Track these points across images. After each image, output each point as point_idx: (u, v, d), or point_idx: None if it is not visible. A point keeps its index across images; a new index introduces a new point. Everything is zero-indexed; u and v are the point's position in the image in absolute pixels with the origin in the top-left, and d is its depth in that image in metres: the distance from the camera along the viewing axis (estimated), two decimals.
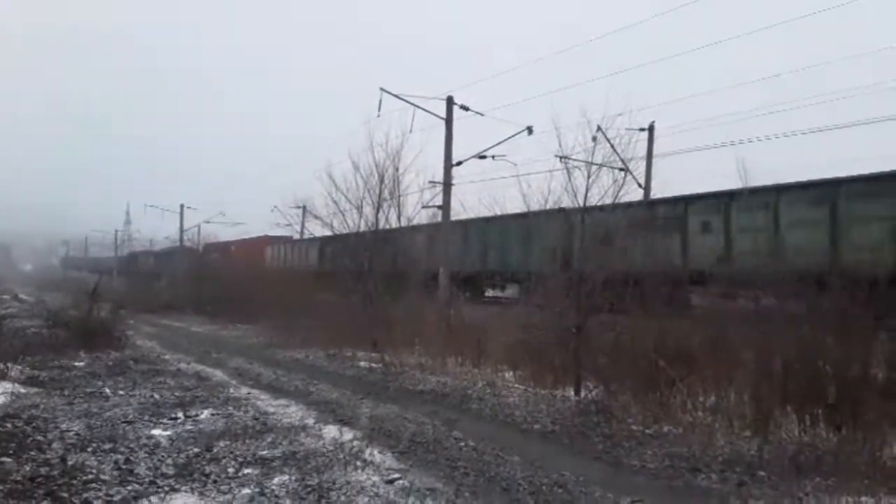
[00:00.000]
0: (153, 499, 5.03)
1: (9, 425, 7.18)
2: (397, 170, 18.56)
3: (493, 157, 20.01)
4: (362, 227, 19.03)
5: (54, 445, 6.46)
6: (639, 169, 19.07)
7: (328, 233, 22.26)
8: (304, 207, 29.26)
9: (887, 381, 6.93)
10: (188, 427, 7.50)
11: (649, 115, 23.79)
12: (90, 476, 5.49)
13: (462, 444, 6.85)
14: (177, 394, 9.61)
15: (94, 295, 18.24)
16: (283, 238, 36.66)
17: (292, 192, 32.86)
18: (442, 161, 19.68)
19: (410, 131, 18.42)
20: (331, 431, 7.25)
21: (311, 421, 7.83)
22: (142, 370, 11.98)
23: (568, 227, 18.42)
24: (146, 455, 6.22)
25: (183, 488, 5.28)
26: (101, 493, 5.09)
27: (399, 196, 19.04)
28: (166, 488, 5.27)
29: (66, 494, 5.02)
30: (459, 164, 19.91)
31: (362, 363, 13.20)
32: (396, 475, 5.66)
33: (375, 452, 6.36)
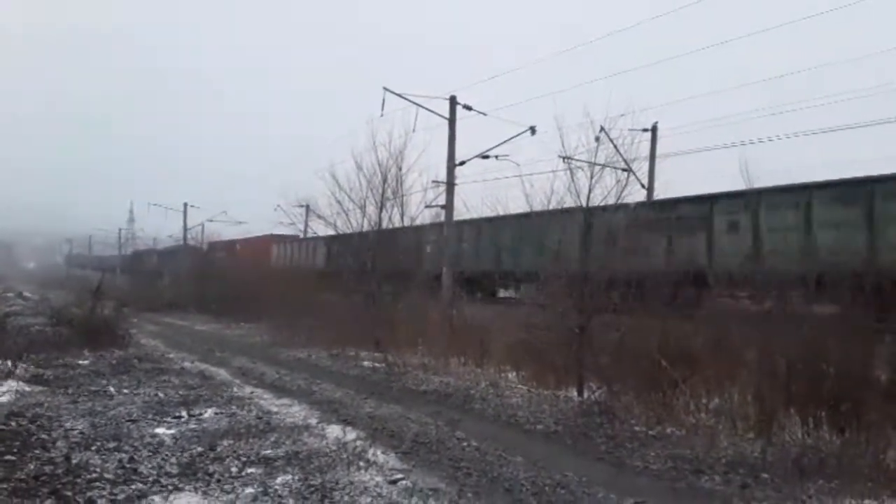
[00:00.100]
0: (157, 498, 5.04)
1: (13, 423, 7.20)
2: (400, 169, 18.54)
3: (496, 157, 20.02)
4: (365, 227, 19.03)
5: (58, 444, 6.48)
6: (642, 169, 19.10)
7: (331, 232, 22.26)
8: (308, 207, 29.25)
9: (890, 384, 6.92)
10: (192, 426, 7.51)
11: (652, 115, 23.78)
12: (94, 474, 5.50)
13: (465, 444, 6.86)
14: (181, 392, 9.62)
15: (97, 293, 18.29)
16: (289, 237, 36.13)
17: (293, 191, 32.49)
18: (445, 161, 19.70)
19: (413, 131, 18.40)
20: (334, 431, 7.26)
21: (314, 420, 7.84)
22: (146, 369, 12.01)
23: (587, 227, 18.38)
24: (150, 454, 6.23)
25: (186, 487, 5.29)
26: (104, 492, 5.10)
27: (402, 196, 19.01)
28: (170, 487, 5.28)
29: (70, 493, 5.03)
30: (462, 163, 19.93)
31: (365, 363, 13.22)
32: (399, 475, 5.66)
33: (378, 452, 6.37)
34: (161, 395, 9.42)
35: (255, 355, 14.74)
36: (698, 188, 18.08)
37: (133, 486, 5.26)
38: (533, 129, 18.91)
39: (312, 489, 5.25)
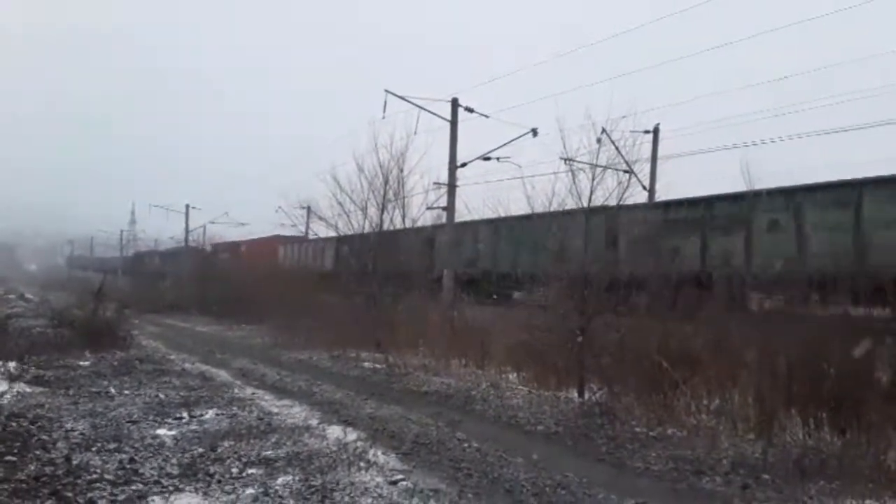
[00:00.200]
0: (157, 499, 5.04)
1: (14, 424, 7.20)
2: (402, 171, 18.59)
3: (497, 158, 20.01)
4: (367, 229, 19.05)
5: (59, 445, 6.48)
6: (643, 171, 19.11)
7: (333, 233, 22.26)
8: (309, 208, 29.25)
9: (891, 385, 6.92)
10: (193, 427, 7.51)
11: (654, 117, 23.76)
12: (95, 475, 5.50)
13: (465, 445, 6.86)
14: (181, 394, 9.63)
15: (99, 294, 18.31)
16: (296, 238, 35.78)
17: (294, 192, 32.54)
18: (446, 163, 19.71)
19: (415, 133, 18.44)
20: (334, 432, 7.26)
21: (314, 421, 7.84)
22: (147, 370, 12.01)
23: (612, 226, 18.05)
24: (151, 455, 6.23)
25: (187, 488, 5.29)
26: (105, 493, 5.10)
27: (404, 197, 19.05)
28: (171, 488, 5.29)
29: (70, 494, 5.03)
30: (464, 165, 19.94)
31: (366, 364, 13.21)
32: (400, 476, 5.66)
33: (379, 453, 6.37)
34: (162, 396, 9.43)
35: (256, 357, 14.74)
36: (699, 190, 18.03)
37: (134, 487, 5.27)
38: (534, 131, 18.93)
39: (313, 490, 5.25)
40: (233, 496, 5.12)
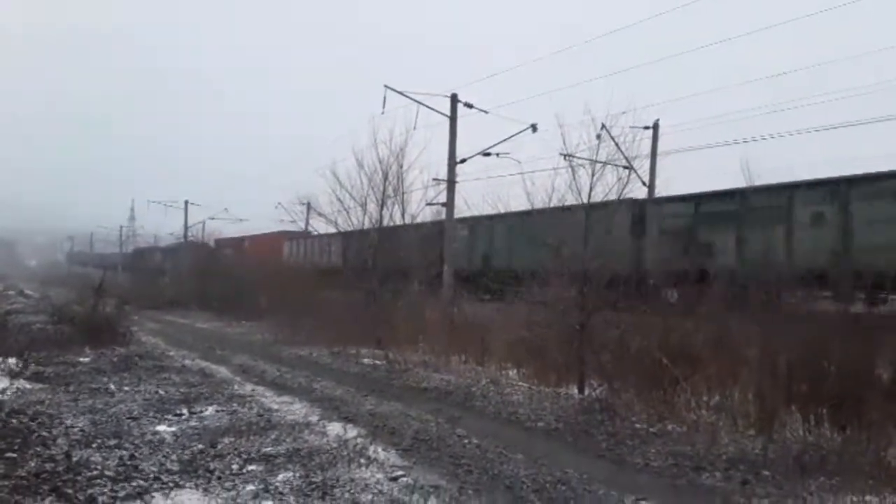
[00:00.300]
0: (157, 495, 5.04)
1: (14, 421, 7.20)
2: (401, 167, 18.56)
3: (497, 154, 19.99)
4: (366, 225, 19.04)
5: (59, 441, 6.48)
6: (643, 167, 19.07)
7: (332, 229, 22.23)
8: (309, 204, 29.21)
9: (892, 382, 6.92)
10: (193, 423, 7.52)
11: (653, 113, 23.72)
12: (95, 472, 5.50)
13: (466, 441, 6.86)
14: (181, 390, 9.63)
15: (98, 291, 18.31)
16: (301, 233, 35.37)
17: (293, 190, 32.57)
18: (446, 158, 19.68)
19: (414, 128, 18.40)
20: (335, 428, 7.26)
21: (314, 418, 7.84)
22: (146, 366, 12.00)
23: (639, 220, 17.44)
24: (151, 451, 6.23)
25: (187, 484, 5.29)
26: (105, 489, 5.10)
27: (403, 193, 19.02)
28: (171, 484, 5.29)
29: (70, 490, 5.03)
30: (463, 161, 19.90)
31: (366, 361, 13.22)
32: (400, 472, 5.66)
33: (379, 449, 6.37)
34: (162, 392, 9.43)
35: (256, 353, 14.74)
36: (698, 187, 17.92)
37: (134, 484, 5.27)
38: (534, 127, 18.90)
39: (313, 486, 5.25)
40: (233, 492, 5.12)
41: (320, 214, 22.90)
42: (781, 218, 14.80)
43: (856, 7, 18.55)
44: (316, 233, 28.25)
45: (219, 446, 6.43)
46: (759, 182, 15.15)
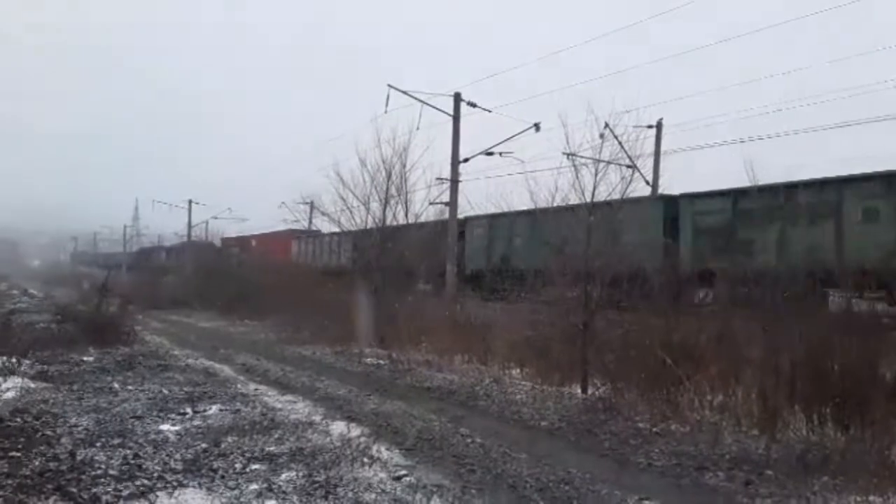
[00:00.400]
0: (161, 494, 5.05)
1: (18, 420, 7.22)
2: (404, 166, 18.57)
3: (500, 153, 20.04)
4: (369, 224, 19.05)
5: (63, 440, 6.49)
6: (646, 166, 19.07)
7: (335, 229, 22.23)
8: (312, 203, 29.25)
9: None
10: (196, 422, 7.53)
11: (657, 111, 23.72)
12: (99, 471, 5.52)
13: (469, 440, 6.86)
14: (185, 389, 9.64)
15: (102, 290, 18.35)
16: (311, 232, 34.67)
17: (294, 190, 32.59)
18: (449, 158, 19.70)
19: (418, 128, 18.43)
20: (338, 428, 7.27)
21: (318, 417, 7.85)
22: (150, 365, 12.03)
23: (672, 217, 16.74)
24: (154, 450, 6.24)
25: (191, 483, 5.31)
26: (109, 488, 5.11)
27: (406, 192, 19.04)
28: (174, 483, 5.30)
29: (74, 489, 5.05)
30: (466, 160, 19.96)
31: (369, 360, 13.23)
32: (403, 472, 5.67)
33: (382, 449, 6.37)
34: (165, 391, 9.44)
35: (260, 352, 14.75)
36: (700, 186, 17.85)
37: (138, 483, 5.28)
38: (537, 126, 18.95)
39: (317, 485, 5.26)
40: (236, 491, 5.13)
41: (324, 214, 22.96)
42: (830, 214, 14.09)
43: (858, 6, 18.49)
44: (327, 231, 27.98)
45: (222, 445, 6.44)
46: (763, 181, 14.98)
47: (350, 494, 5.09)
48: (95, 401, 8.59)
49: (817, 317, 7.98)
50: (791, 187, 15.02)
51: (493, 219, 22.63)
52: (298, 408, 8.46)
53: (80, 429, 7.00)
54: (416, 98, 18.89)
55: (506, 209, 20.11)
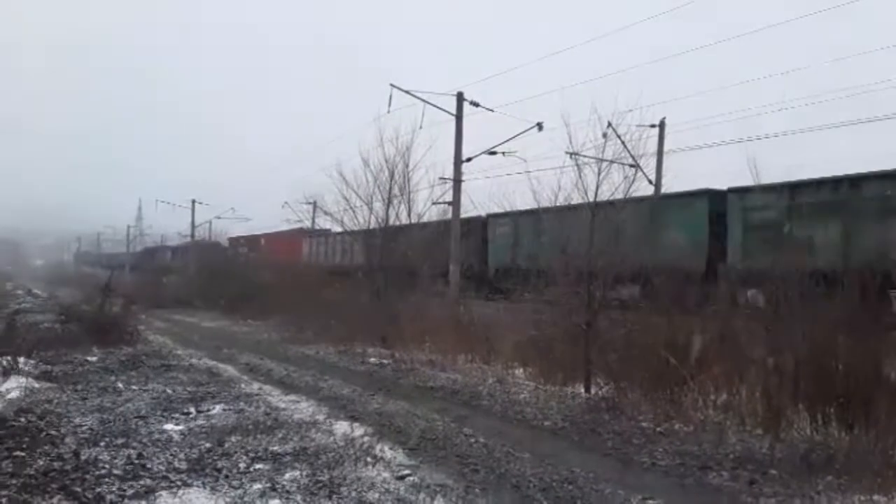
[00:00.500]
0: (165, 493, 5.06)
1: (22, 420, 7.24)
2: (407, 166, 18.59)
3: (503, 153, 20.01)
4: (372, 224, 19.07)
5: (67, 440, 6.51)
6: (649, 165, 19.00)
7: (338, 228, 22.23)
8: (315, 203, 29.24)
9: None
10: (200, 422, 7.54)
11: (660, 111, 23.66)
12: (103, 470, 5.53)
13: (472, 440, 6.86)
14: (189, 389, 9.66)
15: (106, 290, 18.38)
16: (321, 231, 34.31)
17: (296, 190, 32.53)
18: (451, 157, 19.69)
19: (420, 127, 18.44)
20: (341, 427, 7.27)
21: (321, 417, 7.85)
22: (154, 365, 12.05)
23: (718, 213, 15.79)
24: (158, 450, 6.25)
25: (195, 483, 5.31)
26: (113, 488, 5.12)
27: (409, 192, 19.05)
28: (178, 483, 5.31)
29: (79, 489, 5.06)
30: (469, 160, 19.95)
31: (372, 359, 13.23)
32: (407, 471, 5.67)
33: (386, 448, 6.37)
34: (169, 391, 9.46)
35: (263, 352, 14.77)
36: (704, 184, 17.76)
37: (141, 482, 5.29)
38: (540, 126, 18.92)
39: (320, 485, 5.27)
40: (240, 491, 5.13)
41: (326, 213, 22.96)
42: None
43: (859, 5, 18.42)
44: (338, 230, 27.86)
45: (226, 445, 6.45)
46: (765, 180, 14.84)
47: (353, 494, 5.10)
48: (99, 400, 8.61)
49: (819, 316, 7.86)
50: (858, 179, 14.10)
51: (518, 216, 22.18)
52: (302, 407, 8.46)
53: (84, 428, 7.02)
54: (418, 97, 18.91)
55: (533, 206, 19.91)
